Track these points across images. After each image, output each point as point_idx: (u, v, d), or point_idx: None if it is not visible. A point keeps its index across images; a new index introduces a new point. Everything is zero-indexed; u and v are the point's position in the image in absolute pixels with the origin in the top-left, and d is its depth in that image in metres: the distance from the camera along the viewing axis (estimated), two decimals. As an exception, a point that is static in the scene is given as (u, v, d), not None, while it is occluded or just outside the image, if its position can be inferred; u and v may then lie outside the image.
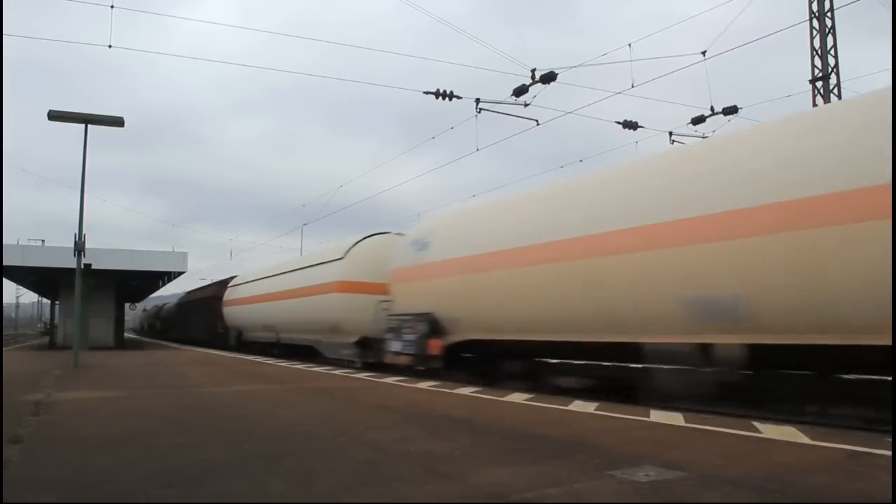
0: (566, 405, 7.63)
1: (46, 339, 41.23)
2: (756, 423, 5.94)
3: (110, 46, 13.84)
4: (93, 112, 16.02)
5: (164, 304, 56.57)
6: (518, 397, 8.50)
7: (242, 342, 26.20)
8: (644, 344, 8.04)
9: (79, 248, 15.96)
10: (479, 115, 15.47)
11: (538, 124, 16.08)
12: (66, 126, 16.16)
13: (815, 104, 16.16)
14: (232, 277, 29.86)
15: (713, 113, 16.60)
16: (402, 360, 12.72)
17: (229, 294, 28.18)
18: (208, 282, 56.37)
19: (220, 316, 29.16)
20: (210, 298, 32.19)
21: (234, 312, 27.03)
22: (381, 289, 14.64)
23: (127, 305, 50.91)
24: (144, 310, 74.10)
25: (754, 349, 6.96)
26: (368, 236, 17.50)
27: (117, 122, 16.21)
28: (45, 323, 61.58)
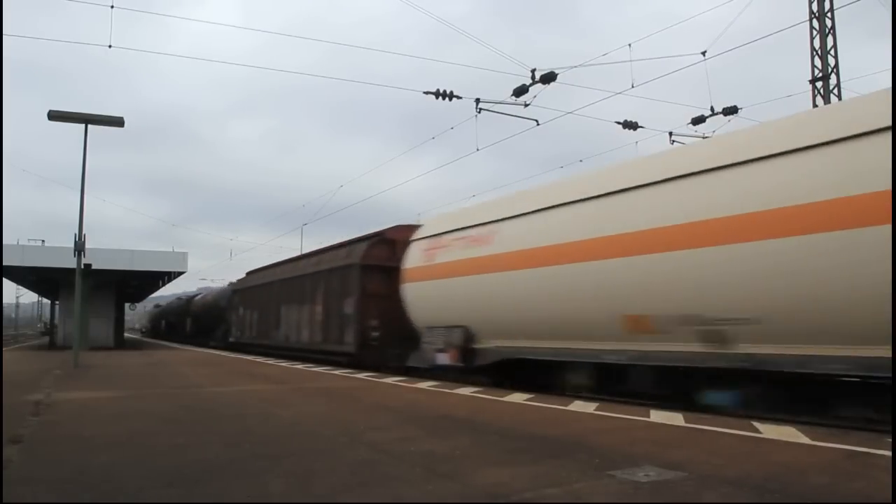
0: (566, 405, 7.63)
1: (46, 340, 41.24)
2: (756, 423, 5.94)
3: (110, 46, 13.85)
4: (93, 112, 16.05)
5: (196, 295, 42.87)
6: (518, 397, 8.51)
7: (484, 364, 11.35)
8: None
9: (79, 248, 15.97)
10: (478, 115, 15.49)
11: (538, 124, 16.10)
12: (66, 126, 16.19)
13: (815, 104, 16.17)
14: (413, 226, 15.06)
15: (713, 113, 16.61)
16: None
17: (424, 253, 13.12)
18: (208, 283, 53.55)
19: (382, 306, 14.83)
20: (349, 269, 16.07)
21: (450, 291, 11.94)
22: None
23: (127, 305, 49.91)
24: (157, 306, 63.97)
25: None
26: None
27: (117, 122, 16.23)
28: (45, 323, 61.33)
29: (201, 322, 36.30)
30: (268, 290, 23.12)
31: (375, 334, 15.18)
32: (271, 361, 18.39)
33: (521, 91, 14.75)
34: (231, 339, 27.54)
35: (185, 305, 43.65)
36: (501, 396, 8.62)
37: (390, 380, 11.57)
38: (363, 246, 16.31)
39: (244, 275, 28.87)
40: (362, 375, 12.76)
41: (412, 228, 14.92)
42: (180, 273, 31.42)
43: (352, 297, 15.75)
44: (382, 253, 15.62)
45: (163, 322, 53.29)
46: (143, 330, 69.41)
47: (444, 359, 11.95)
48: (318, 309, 17.91)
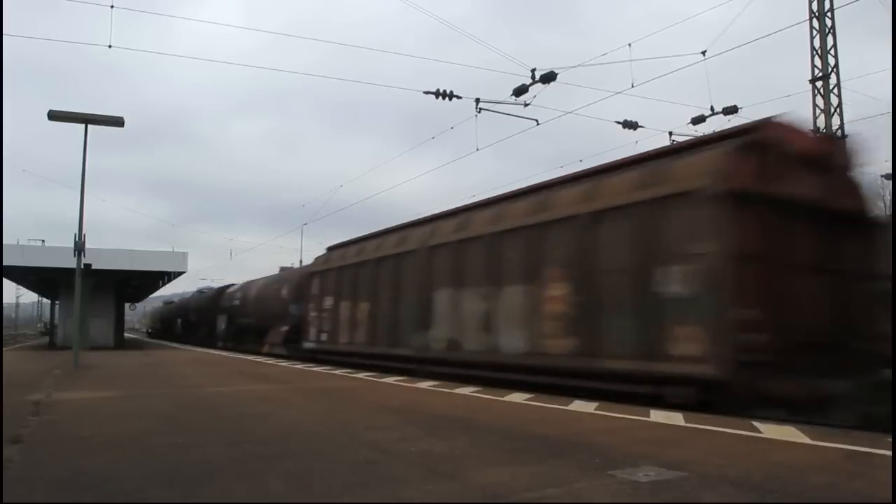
0: (566, 405, 7.63)
1: (46, 339, 41.26)
2: (756, 423, 5.94)
3: (110, 46, 13.85)
4: (95, 112, 16.03)
5: (229, 286, 33.61)
6: (518, 397, 8.50)
7: None
8: None
9: (79, 248, 15.97)
10: (478, 114, 15.48)
11: (538, 124, 16.10)
12: (68, 126, 16.17)
13: (814, 104, 16.19)
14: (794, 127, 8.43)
15: (713, 113, 16.63)
16: None
17: None
18: (208, 283, 52.21)
19: (770, 282, 7.52)
20: (681, 205, 7.92)
21: None
22: None
23: (127, 305, 49.53)
24: (168, 302, 55.48)
25: None
26: None
27: (117, 122, 16.22)
28: (45, 323, 61.22)
29: (242, 321, 27.83)
30: (396, 266, 14.56)
31: (761, 338, 7.40)
32: (271, 361, 18.36)
33: (521, 91, 14.77)
34: (309, 346, 19.10)
35: (213, 299, 34.32)
36: (501, 396, 8.62)
37: (390, 380, 11.57)
38: (718, 154, 8.12)
39: (324, 251, 20.28)
40: (362, 375, 12.75)
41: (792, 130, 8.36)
42: (180, 273, 31.43)
43: (686, 263, 7.85)
44: (750, 169, 7.82)
45: (178, 321, 43.60)
46: (150, 330, 59.65)
47: None
48: (556, 289, 9.79)
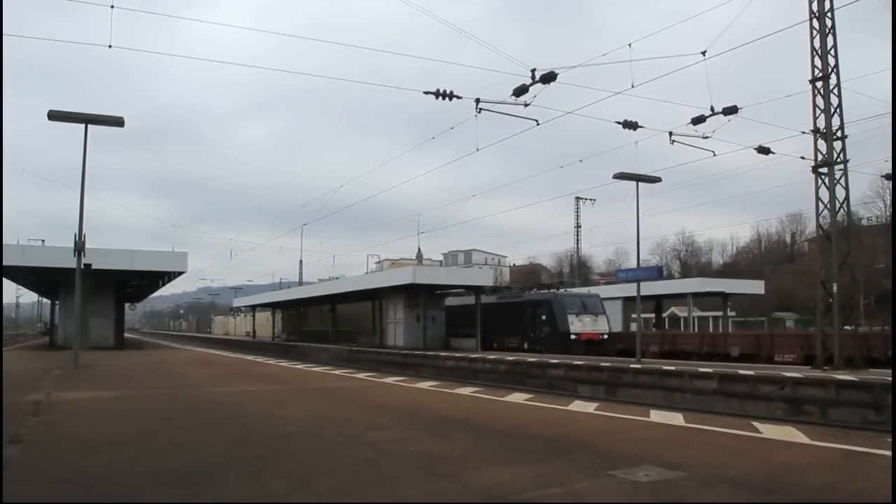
0: (566, 405, 7.63)
1: (46, 339, 41.25)
2: (756, 423, 5.95)
3: (110, 46, 13.81)
4: (102, 113, 15.99)
5: None
6: (518, 397, 8.50)
7: None
8: None
9: (79, 248, 15.94)
10: (478, 114, 15.44)
11: (538, 124, 16.07)
12: (72, 127, 16.11)
13: (814, 104, 16.19)
14: None
15: (713, 113, 16.58)
16: None
17: None
18: (208, 283, 51.98)
19: None
20: None
21: None
22: None
23: (127, 305, 49.34)
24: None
25: None
26: None
27: (117, 122, 16.18)
28: (45, 323, 61.15)
29: None
30: None
31: None
32: (271, 361, 18.36)
33: (521, 91, 14.73)
34: None
35: None
36: (501, 397, 8.62)
37: (390, 380, 11.57)
38: None
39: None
40: (362, 375, 12.75)
41: None
42: (180, 273, 31.42)
43: None
44: None
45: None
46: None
47: None
48: None
